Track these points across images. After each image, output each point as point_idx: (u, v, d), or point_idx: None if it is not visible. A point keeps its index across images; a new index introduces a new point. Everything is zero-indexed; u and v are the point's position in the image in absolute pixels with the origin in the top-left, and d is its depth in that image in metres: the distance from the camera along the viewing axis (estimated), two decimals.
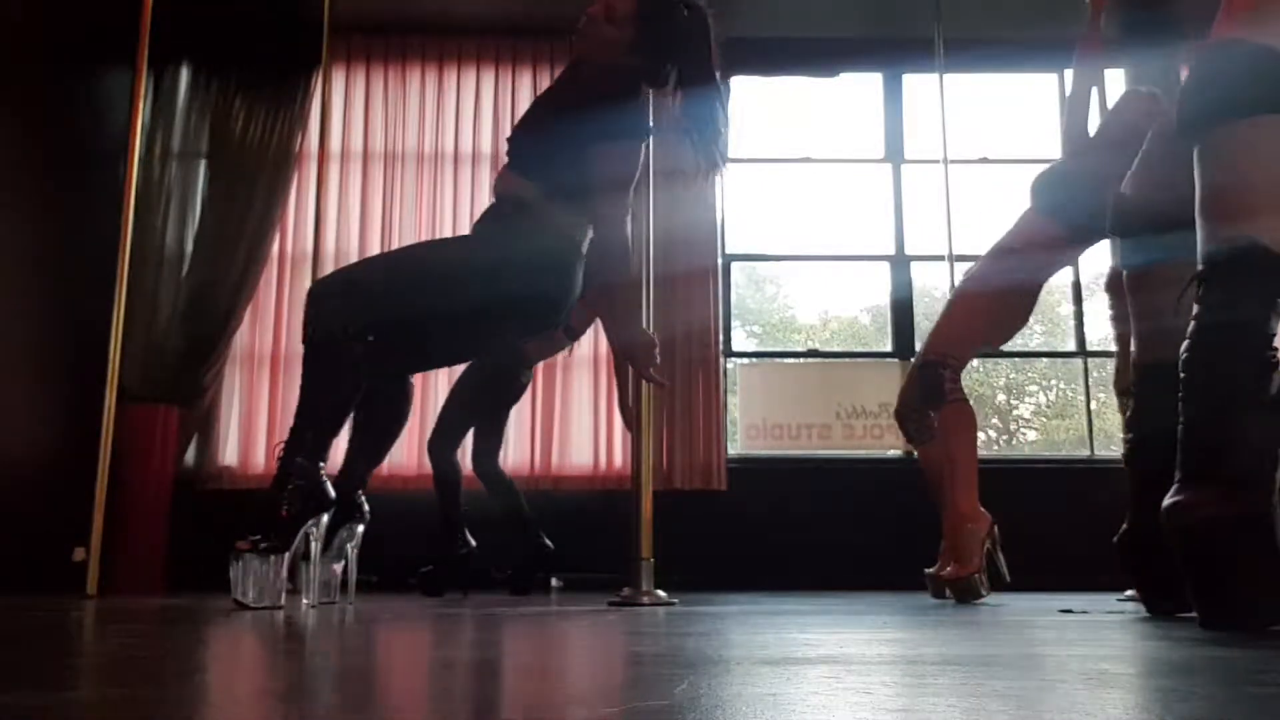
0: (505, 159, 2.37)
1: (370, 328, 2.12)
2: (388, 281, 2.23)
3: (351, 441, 2.43)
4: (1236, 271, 1.48)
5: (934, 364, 2.97)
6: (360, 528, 2.40)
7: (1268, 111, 1.49)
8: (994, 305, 3.00)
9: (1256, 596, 1.39)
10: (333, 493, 2.14)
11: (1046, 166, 3.15)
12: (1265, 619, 1.39)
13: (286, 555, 2.03)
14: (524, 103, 4.98)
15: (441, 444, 3.44)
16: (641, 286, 2.80)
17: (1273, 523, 1.41)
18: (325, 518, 2.12)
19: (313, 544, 2.12)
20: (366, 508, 2.41)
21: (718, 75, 2.34)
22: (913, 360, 3.41)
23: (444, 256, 2.37)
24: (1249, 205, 1.49)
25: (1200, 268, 1.53)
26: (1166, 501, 1.46)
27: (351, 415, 2.40)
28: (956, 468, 2.90)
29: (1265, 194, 1.49)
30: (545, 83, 5.00)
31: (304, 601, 2.31)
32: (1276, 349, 1.47)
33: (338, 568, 2.38)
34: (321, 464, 2.12)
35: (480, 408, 3.53)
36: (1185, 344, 1.51)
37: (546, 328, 2.50)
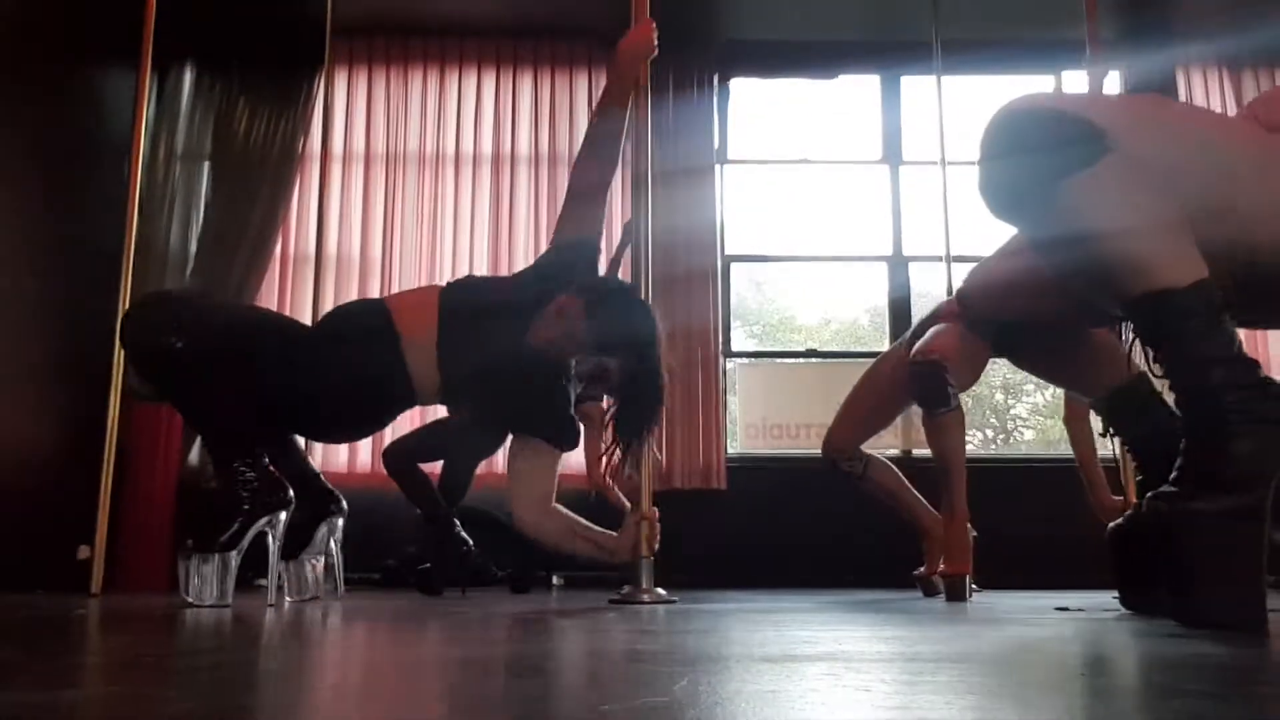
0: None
1: (189, 335, 2.04)
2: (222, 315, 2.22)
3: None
4: (1164, 325, 1.49)
5: (936, 363, 2.88)
6: (340, 520, 2.40)
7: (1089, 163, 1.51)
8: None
9: (1235, 598, 1.40)
10: (290, 491, 2.15)
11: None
12: (1242, 621, 1.39)
13: (236, 553, 2.04)
14: (525, 103, 4.99)
15: (399, 463, 3.37)
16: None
17: (1261, 524, 1.42)
18: (283, 515, 2.13)
19: (270, 542, 2.13)
20: (343, 501, 2.42)
21: (661, 392, 2.33)
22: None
23: (291, 332, 2.29)
24: (1135, 259, 1.50)
25: (1130, 334, 1.55)
26: (1152, 493, 1.48)
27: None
28: (954, 471, 2.89)
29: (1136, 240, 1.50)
30: (545, 83, 5.01)
31: (286, 599, 2.31)
32: (1257, 364, 1.48)
33: (318, 563, 2.39)
34: (266, 461, 2.12)
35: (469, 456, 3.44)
36: (1171, 386, 1.52)
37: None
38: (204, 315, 2.16)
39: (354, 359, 2.21)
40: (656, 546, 2.43)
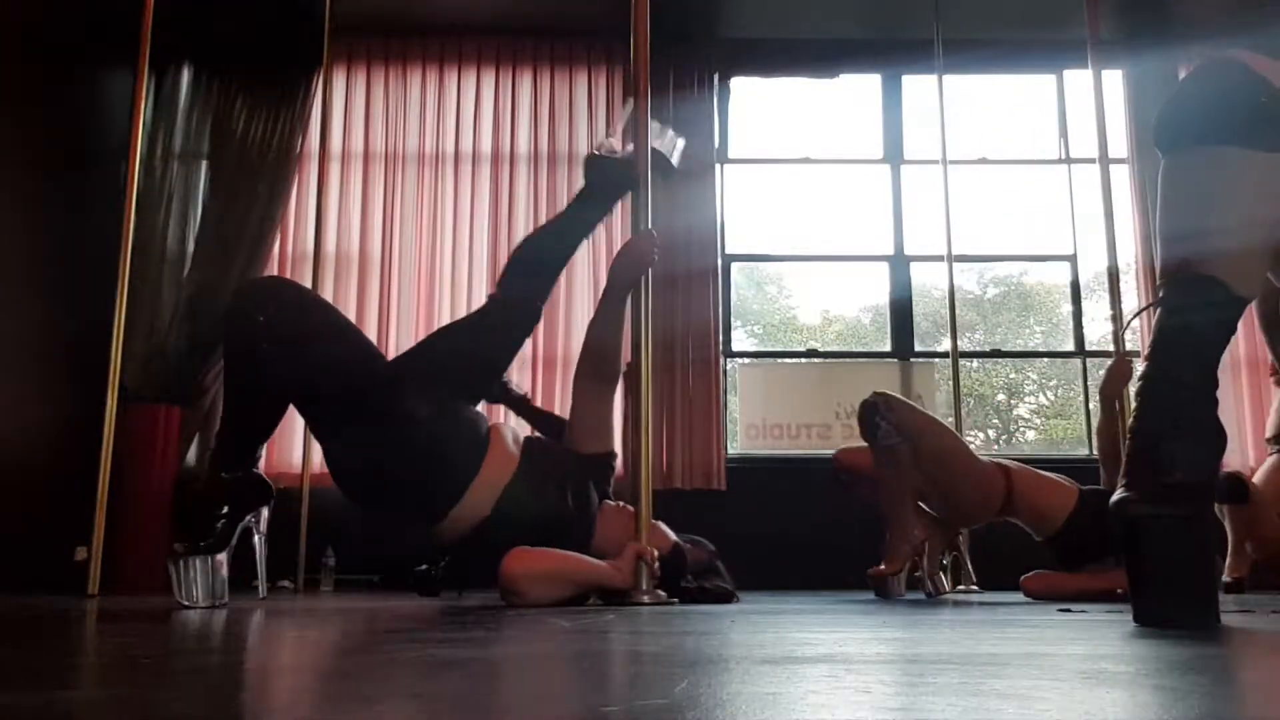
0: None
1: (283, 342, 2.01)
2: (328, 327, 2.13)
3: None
4: (1182, 307, 1.48)
5: (870, 403, 2.94)
6: (265, 510, 2.19)
7: (1232, 143, 1.48)
8: None
9: (1187, 598, 1.42)
10: (272, 486, 2.14)
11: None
12: (1195, 620, 1.40)
13: (225, 553, 2.03)
14: (524, 102, 4.99)
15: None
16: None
17: (1207, 525, 1.44)
18: (265, 511, 2.11)
19: (256, 538, 2.12)
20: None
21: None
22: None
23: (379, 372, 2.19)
24: (1205, 235, 1.49)
25: (1160, 290, 1.53)
26: (1114, 498, 1.49)
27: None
28: (892, 498, 3.00)
29: (1225, 227, 1.48)
30: (545, 83, 5.01)
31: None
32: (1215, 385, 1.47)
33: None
34: (255, 461, 2.11)
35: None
36: (1145, 356, 1.52)
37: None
38: (305, 313, 2.12)
39: (431, 442, 2.16)
40: (658, 587, 2.36)
